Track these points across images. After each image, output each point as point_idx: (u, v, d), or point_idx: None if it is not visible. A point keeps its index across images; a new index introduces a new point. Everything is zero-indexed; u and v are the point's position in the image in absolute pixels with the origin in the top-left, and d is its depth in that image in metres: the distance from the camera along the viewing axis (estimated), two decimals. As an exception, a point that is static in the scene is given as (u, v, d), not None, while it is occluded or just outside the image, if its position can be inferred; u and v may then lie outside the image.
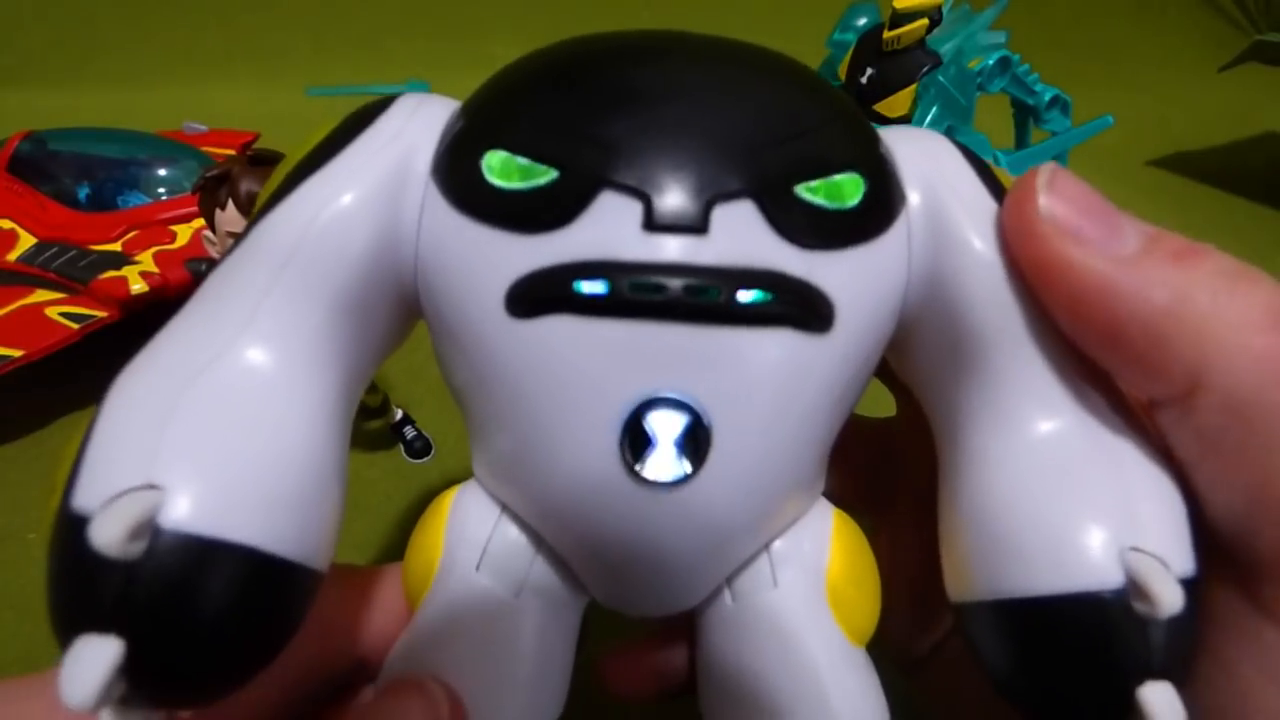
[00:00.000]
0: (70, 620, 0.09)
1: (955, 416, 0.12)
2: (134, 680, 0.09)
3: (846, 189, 0.11)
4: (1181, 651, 0.10)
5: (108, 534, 0.09)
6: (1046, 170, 0.11)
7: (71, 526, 0.09)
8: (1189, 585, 0.10)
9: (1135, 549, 0.10)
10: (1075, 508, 0.10)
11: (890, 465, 0.19)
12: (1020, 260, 0.11)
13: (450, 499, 0.14)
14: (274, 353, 0.11)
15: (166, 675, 0.10)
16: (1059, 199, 0.11)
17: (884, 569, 0.14)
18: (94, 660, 0.09)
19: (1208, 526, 0.11)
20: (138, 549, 0.09)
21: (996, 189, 0.12)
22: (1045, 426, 0.11)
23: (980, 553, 0.11)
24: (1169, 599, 0.10)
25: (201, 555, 0.09)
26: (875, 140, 0.13)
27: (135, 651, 0.09)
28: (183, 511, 0.09)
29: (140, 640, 0.09)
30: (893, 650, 0.14)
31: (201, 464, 0.10)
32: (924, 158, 0.13)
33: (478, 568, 0.14)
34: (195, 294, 0.12)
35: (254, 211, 0.12)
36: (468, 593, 0.14)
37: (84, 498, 0.10)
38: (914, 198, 0.12)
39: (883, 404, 0.18)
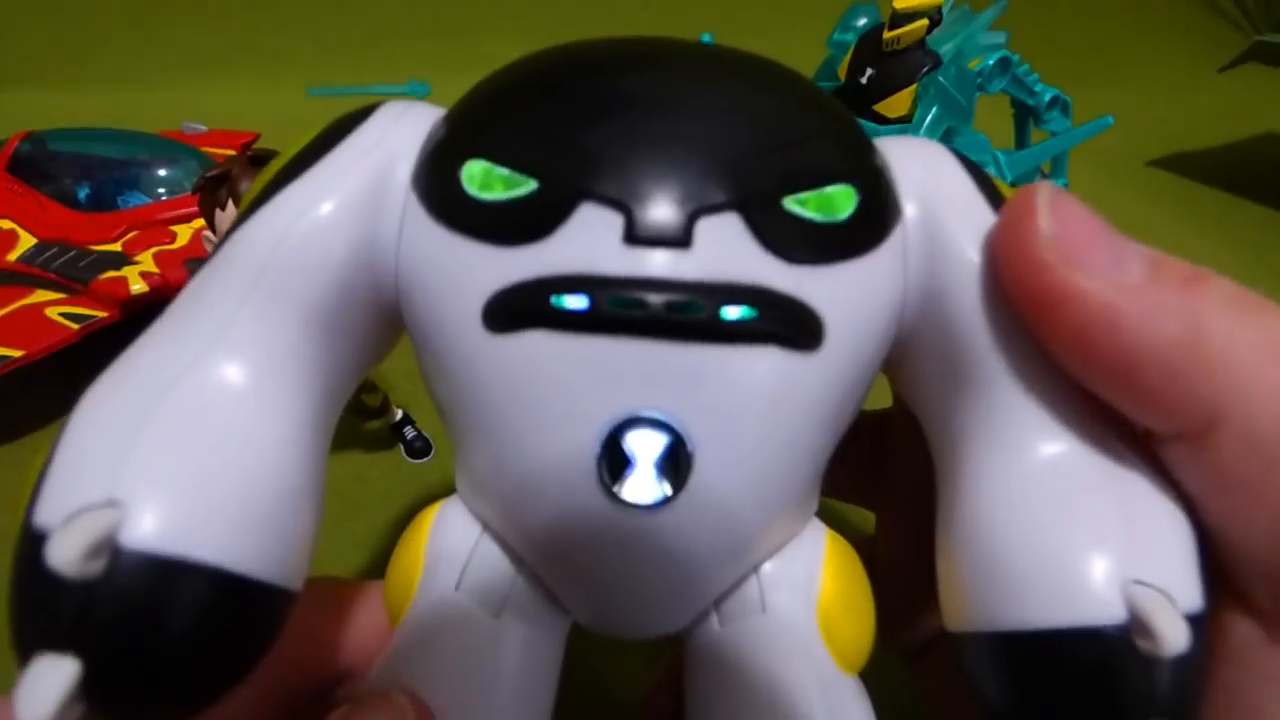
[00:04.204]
0: (28, 639, 0.09)
1: (952, 437, 0.12)
2: (94, 702, 0.09)
3: (838, 201, 0.11)
4: (1188, 691, 0.10)
5: (64, 553, 0.09)
6: (1046, 190, 0.11)
7: (31, 543, 0.09)
8: (1195, 621, 0.10)
9: (1138, 582, 0.10)
10: (1075, 537, 0.10)
11: (885, 457, 0.19)
12: (1017, 289, 0.11)
13: (432, 515, 0.14)
14: (247, 366, 0.11)
15: (128, 697, 0.09)
16: (1060, 222, 0.10)
17: (878, 560, 0.14)
18: (50, 681, 0.09)
19: (1222, 561, 0.10)
20: (96, 568, 0.09)
21: (996, 200, 0.12)
22: (1045, 451, 0.11)
23: (976, 581, 0.11)
24: (1172, 637, 0.09)
25: (163, 575, 0.09)
26: (870, 150, 0.12)
27: (94, 673, 0.09)
28: (144, 529, 0.09)
29: (99, 661, 0.09)
30: (888, 641, 0.14)
31: (166, 480, 0.09)
32: (920, 168, 0.12)
33: (457, 587, 0.13)
34: (170, 305, 0.12)
35: (234, 220, 0.12)
36: (447, 612, 0.13)
37: (45, 514, 0.09)
38: (910, 210, 0.12)
39: (880, 396, 0.18)
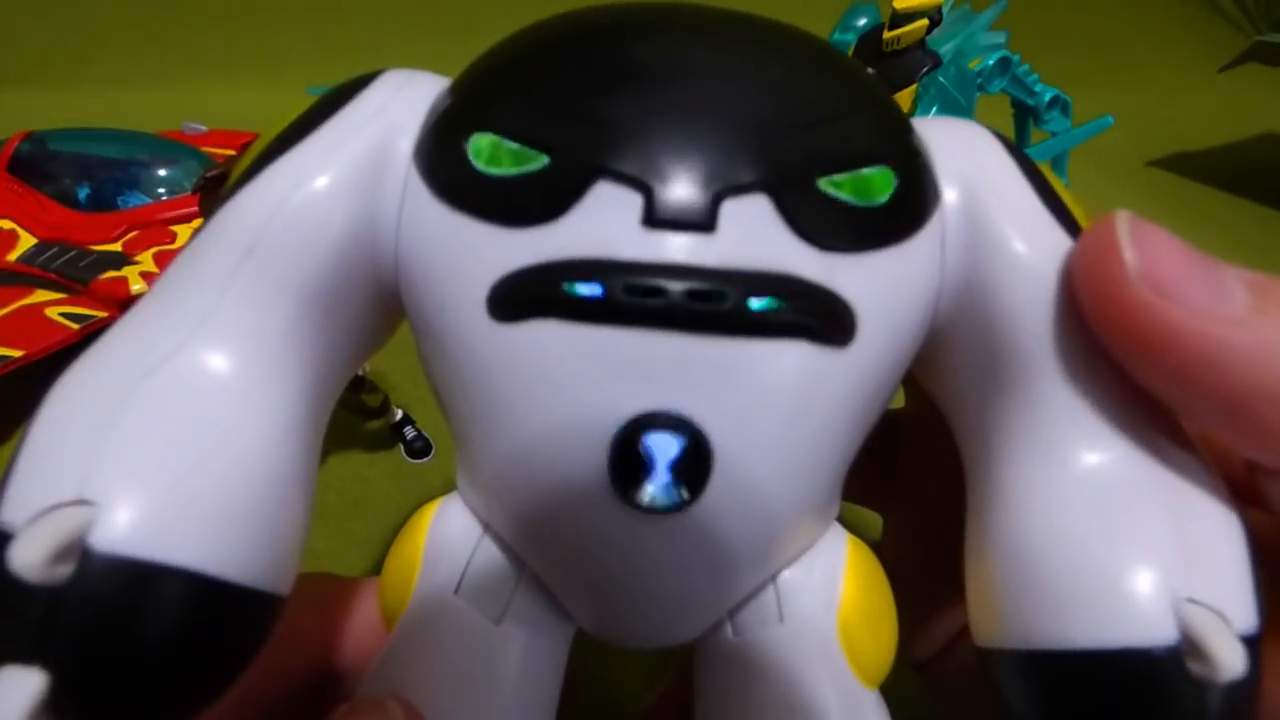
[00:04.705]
0: None
1: (988, 441, 0.11)
2: (62, 717, 0.08)
3: (875, 184, 0.10)
4: (1240, 717, 0.09)
5: (28, 555, 0.08)
6: (1124, 221, 0.10)
7: None
8: (1250, 643, 0.09)
9: (1191, 600, 0.09)
10: (1122, 550, 0.09)
11: (895, 461, 0.18)
12: (1107, 330, 0.10)
13: (431, 513, 0.13)
14: (234, 351, 0.10)
15: (98, 712, 0.09)
16: (1146, 254, 0.09)
17: (887, 563, 0.14)
18: (14, 695, 0.08)
19: None
20: (64, 572, 0.08)
21: (1044, 189, 0.11)
22: (1092, 458, 0.10)
23: (1013, 596, 0.10)
24: (1228, 659, 0.08)
25: (137, 580, 0.08)
26: (909, 131, 0.11)
27: (62, 686, 0.08)
28: (117, 530, 0.08)
29: (67, 674, 0.08)
30: (899, 649, 0.13)
31: (142, 476, 0.09)
32: (963, 152, 0.11)
33: (457, 590, 0.13)
34: (152, 286, 0.11)
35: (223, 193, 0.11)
36: (445, 617, 0.12)
37: (10, 512, 0.09)
38: (950, 196, 0.11)
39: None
